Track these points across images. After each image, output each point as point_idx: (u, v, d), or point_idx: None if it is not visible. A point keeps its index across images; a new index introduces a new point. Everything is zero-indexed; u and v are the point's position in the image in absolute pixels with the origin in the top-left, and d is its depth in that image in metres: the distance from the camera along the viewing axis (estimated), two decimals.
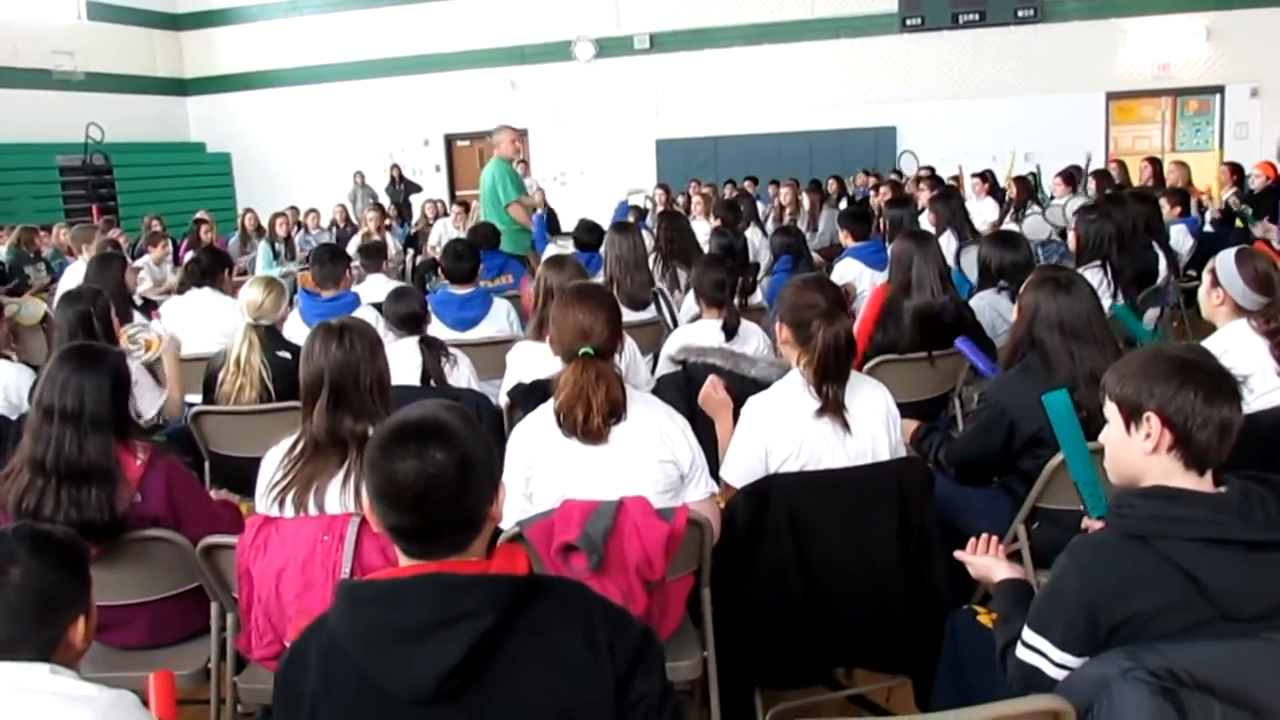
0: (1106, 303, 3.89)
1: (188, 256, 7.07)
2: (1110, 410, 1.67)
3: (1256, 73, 12.69)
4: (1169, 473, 1.60)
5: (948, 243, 5.40)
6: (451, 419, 1.38)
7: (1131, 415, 1.62)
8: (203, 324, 4.51)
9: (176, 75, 17.38)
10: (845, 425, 2.40)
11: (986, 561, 2.04)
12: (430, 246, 9.82)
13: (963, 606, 2.21)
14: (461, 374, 3.56)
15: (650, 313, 4.66)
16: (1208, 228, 7.31)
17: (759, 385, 2.74)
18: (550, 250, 6.53)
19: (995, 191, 9.44)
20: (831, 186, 11.44)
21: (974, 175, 9.75)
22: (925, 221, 6.13)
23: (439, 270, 6.18)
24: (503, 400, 3.44)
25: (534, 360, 3.24)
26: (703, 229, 7.29)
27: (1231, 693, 1.41)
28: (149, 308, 4.95)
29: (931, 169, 11.28)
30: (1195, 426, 1.56)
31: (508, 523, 2.17)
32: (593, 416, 2.21)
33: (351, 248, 7.45)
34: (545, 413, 2.29)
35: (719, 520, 2.34)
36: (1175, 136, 13.73)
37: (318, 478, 2.19)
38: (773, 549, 2.32)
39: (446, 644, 1.28)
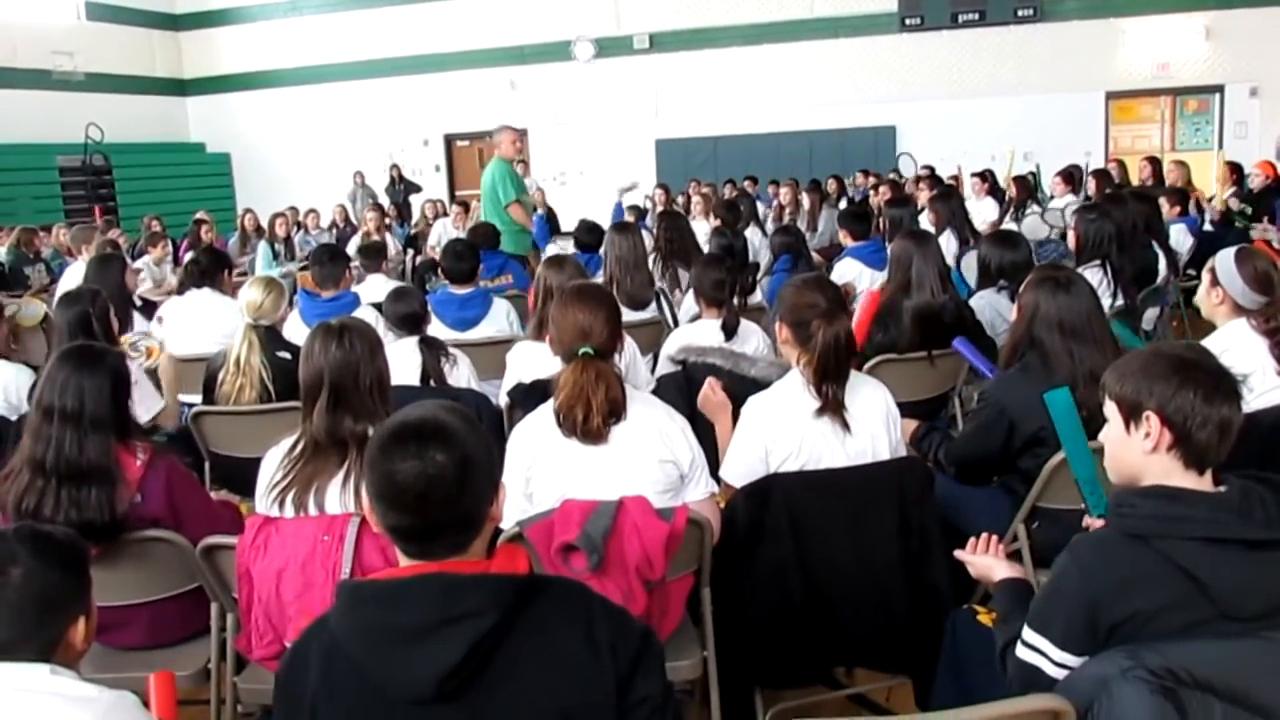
0: (1106, 302, 3.90)
1: (187, 257, 7.07)
2: (1110, 409, 1.67)
3: (1256, 72, 12.70)
4: (1169, 472, 1.60)
5: (947, 242, 5.40)
6: (452, 419, 1.38)
7: (1131, 414, 1.62)
8: (202, 324, 4.51)
9: (176, 75, 17.39)
10: (845, 425, 2.40)
11: (986, 561, 2.04)
12: (430, 246, 9.81)
13: (963, 606, 2.21)
14: (461, 374, 3.56)
15: (650, 313, 4.66)
16: (1207, 227, 7.31)
17: (759, 385, 2.74)
18: (550, 250, 6.54)
19: (995, 191, 9.45)
20: (831, 186, 11.44)
21: (974, 175, 9.75)
22: (925, 221, 6.14)
23: (439, 270, 6.18)
24: (503, 400, 3.44)
25: (534, 360, 3.24)
26: (702, 229, 7.29)
27: (1232, 691, 1.41)
28: (149, 308, 4.94)
29: (931, 168, 11.28)
30: (1195, 426, 1.56)
31: (508, 523, 2.17)
32: (592, 416, 2.21)
33: (351, 248, 7.45)
34: (545, 413, 2.29)
35: (719, 520, 2.34)
36: (1175, 136, 13.74)
37: (318, 478, 2.19)
38: (773, 549, 2.32)
39: (447, 644, 1.28)
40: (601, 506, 2.13)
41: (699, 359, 3.31)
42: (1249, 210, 7.54)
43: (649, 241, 5.50)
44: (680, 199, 10.82)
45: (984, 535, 2.09)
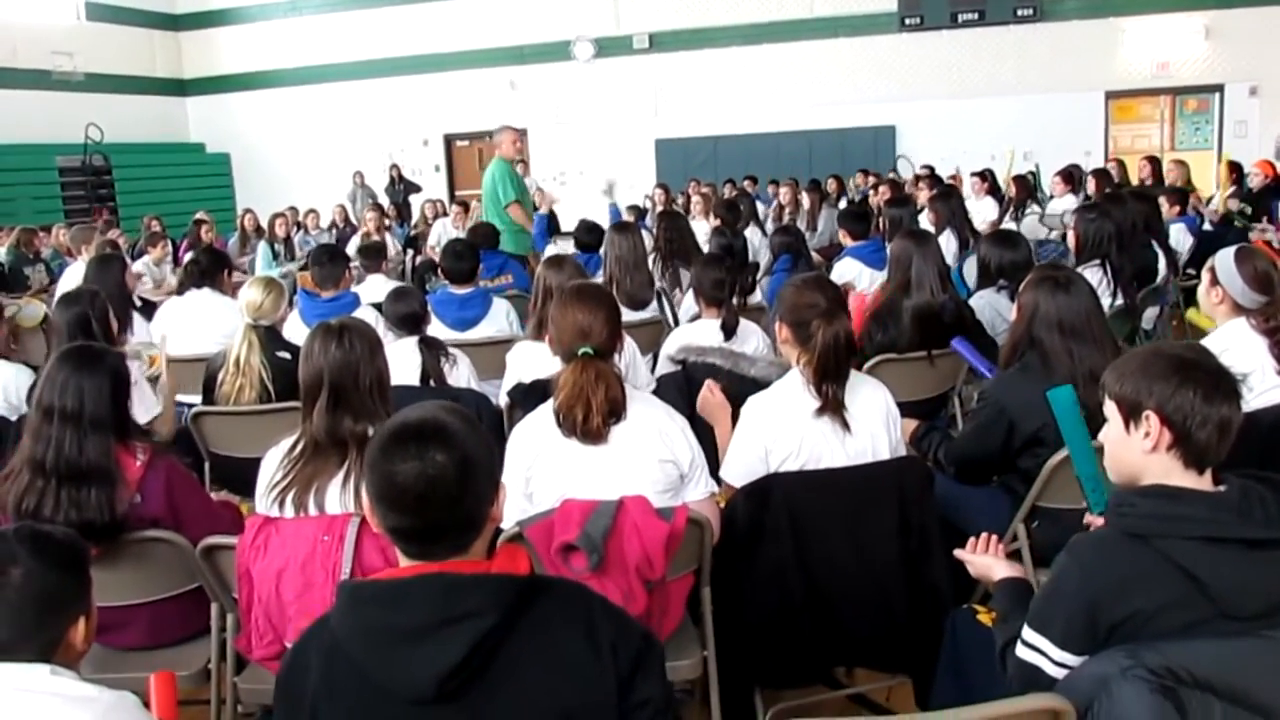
0: (1106, 302, 3.90)
1: (187, 257, 7.07)
2: (1110, 409, 1.67)
3: (1255, 71, 12.69)
4: (1168, 471, 1.60)
5: (947, 242, 5.40)
6: (452, 420, 1.38)
7: (1131, 414, 1.62)
8: (202, 325, 4.51)
9: (176, 76, 17.38)
10: (845, 424, 2.40)
11: (986, 560, 2.04)
12: (430, 246, 9.82)
13: (962, 605, 2.21)
14: (461, 374, 3.56)
15: (650, 312, 4.66)
16: (1206, 226, 7.32)
17: (758, 385, 2.74)
18: (550, 250, 6.54)
19: (994, 191, 9.45)
20: (831, 186, 11.45)
21: (973, 174, 9.75)
22: (925, 221, 6.14)
23: (438, 270, 6.18)
24: (503, 400, 3.44)
25: (534, 360, 3.24)
26: (702, 229, 7.30)
27: (1231, 691, 1.41)
28: (149, 309, 4.94)
29: (931, 168, 11.28)
30: (1194, 425, 1.56)
31: (508, 523, 2.17)
32: (592, 416, 2.21)
33: (351, 248, 7.46)
34: (545, 413, 2.29)
35: (719, 519, 2.34)
36: (1174, 135, 13.73)
37: (318, 478, 2.19)
38: (773, 548, 2.32)
39: (448, 644, 1.28)
40: (601, 506, 2.13)
41: (699, 359, 3.31)
42: (1248, 210, 7.54)
43: (649, 241, 5.50)
44: (680, 199, 10.82)
45: (984, 535, 2.10)
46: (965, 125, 13.36)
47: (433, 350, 3.50)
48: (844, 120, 14.17)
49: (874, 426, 2.45)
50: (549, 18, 15.18)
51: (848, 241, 5.46)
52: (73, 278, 5.94)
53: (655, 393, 2.90)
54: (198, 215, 10.56)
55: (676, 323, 4.62)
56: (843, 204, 10.19)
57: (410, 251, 10.40)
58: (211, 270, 4.75)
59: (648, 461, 2.26)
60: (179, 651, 2.44)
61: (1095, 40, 13.15)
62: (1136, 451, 1.62)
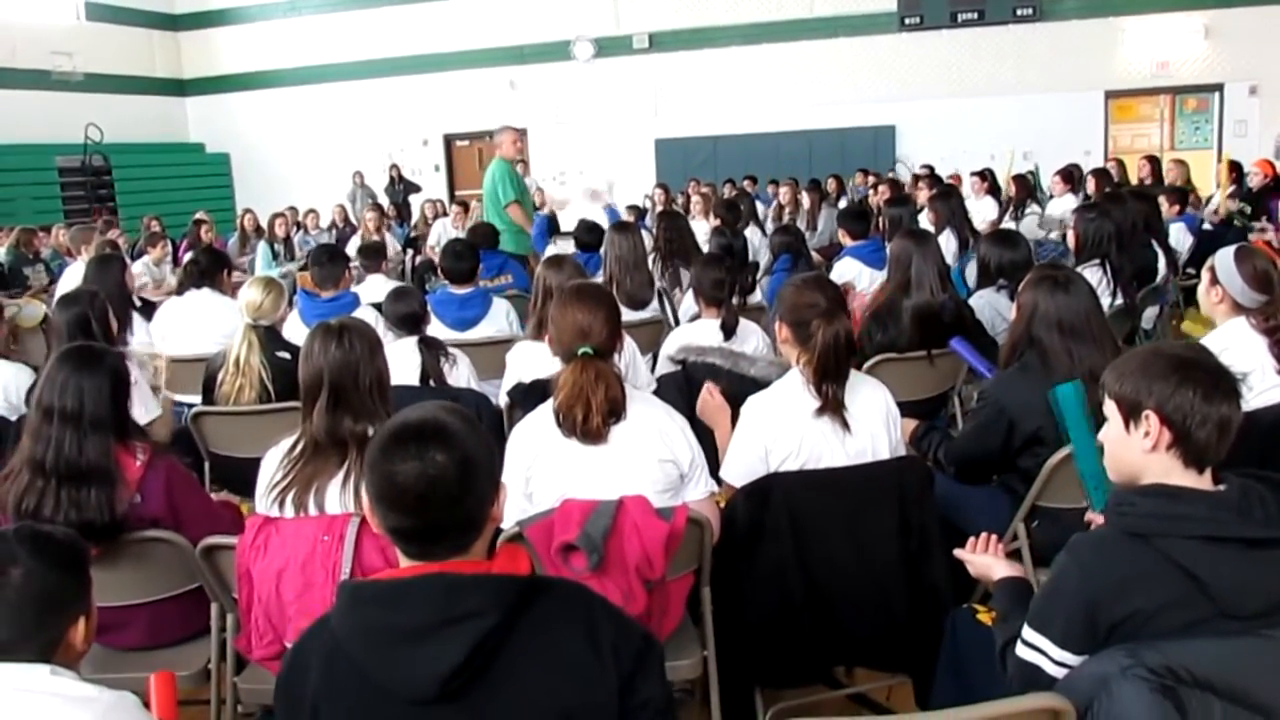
0: (1106, 302, 3.90)
1: (187, 257, 7.07)
2: (1109, 408, 1.67)
3: (1255, 71, 12.69)
4: (1168, 471, 1.60)
5: (947, 242, 5.40)
6: (452, 420, 1.38)
7: (1130, 413, 1.62)
8: (202, 325, 4.51)
9: (175, 76, 17.37)
10: (845, 424, 2.40)
11: (986, 560, 2.04)
12: (429, 246, 9.82)
13: (962, 605, 2.21)
14: (461, 374, 3.56)
15: (650, 312, 4.66)
16: (1206, 226, 7.32)
17: (758, 384, 2.74)
18: (550, 250, 6.54)
19: (994, 190, 9.45)
20: (831, 185, 11.45)
21: (973, 174, 9.74)
22: (925, 220, 6.14)
23: (438, 270, 6.18)
24: (502, 400, 3.44)
25: (534, 360, 3.24)
26: (702, 228, 7.30)
27: (1231, 690, 1.41)
28: (148, 309, 4.94)
29: (931, 168, 11.28)
30: (1194, 424, 1.56)
31: (508, 523, 2.17)
32: (592, 416, 2.21)
33: (351, 248, 7.45)
34: (545, 413, 2.30)
35: (719, 519, 2.34)
36: (1174, 135, 13.72)
37: (318, 478, 2.19)
38: (773, 548, 2.32)
39: (449, 644, 1.28)
40: (601, 506, 2.13)
41: (699, 358, 3.31)
42: (1248, 209, 7.54)
43: (649, 241, 5.50)
44: (680, 199, 10.82)
45: (983, 534, 2.10)
46: (965, 125, 13.35)
47: (432, 350, 3.50)
48: (844, 120, 14.16)
49: (874, 426, 2.45)
50: (549, 18, 15.17)
51: (847, 241, 5.46)
52: (72, 278, 5.94)
53: (655, 393, 2.90)
54: (197, 215, 10.56)
55: (676, 322, 4.62)
56: (842, 204, 10.20)
57: (410, 251, 10.40)
58: (211, 270, 4.76)
59: (648, 461, 2.26)
60: (179, 651, 2.44)
61: (1095, 40, 13.15)
62: (1136, 451, 1.62)
